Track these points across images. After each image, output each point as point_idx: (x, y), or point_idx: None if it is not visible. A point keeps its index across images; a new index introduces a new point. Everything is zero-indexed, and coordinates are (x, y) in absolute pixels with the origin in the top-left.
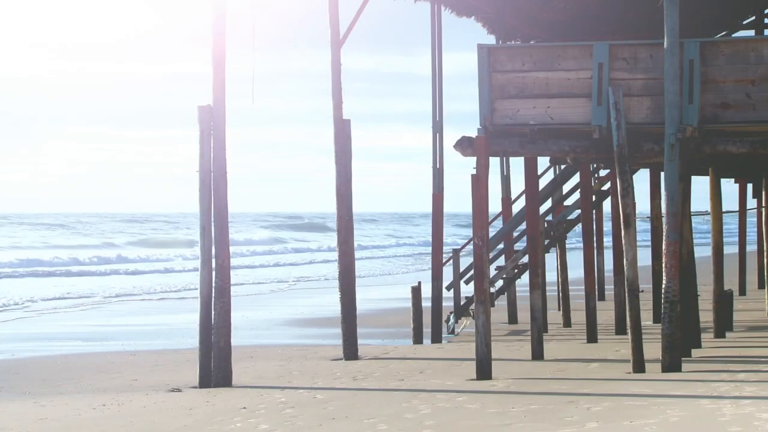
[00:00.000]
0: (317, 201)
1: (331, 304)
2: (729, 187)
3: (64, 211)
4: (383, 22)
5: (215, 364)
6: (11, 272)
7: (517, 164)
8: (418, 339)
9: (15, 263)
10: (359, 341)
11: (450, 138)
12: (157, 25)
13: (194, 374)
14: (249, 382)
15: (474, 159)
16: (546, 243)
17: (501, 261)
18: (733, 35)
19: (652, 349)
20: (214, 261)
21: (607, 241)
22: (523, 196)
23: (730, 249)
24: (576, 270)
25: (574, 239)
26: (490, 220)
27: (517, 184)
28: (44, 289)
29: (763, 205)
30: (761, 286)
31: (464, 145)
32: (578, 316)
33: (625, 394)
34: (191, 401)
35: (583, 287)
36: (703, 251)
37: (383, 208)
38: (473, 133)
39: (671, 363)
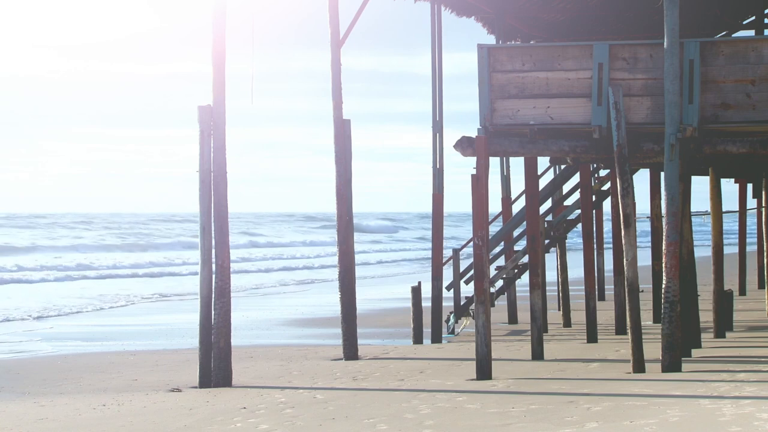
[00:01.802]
0: (317, 201)
1: (331, 303)
2: (729, 187)
3: (67, 211)
4: (383, 22)
5: (215, 364)
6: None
7: (517, 164)
8: (418, 339)
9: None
10: (359, 341)
11: (450, 138)
12: (157, 25)
13: (194, 374)
14: (249, 382)
15: (474, 159)
16: (546, 243)
17: (501, 261)
18: (733, 35)
19: (652, 349)
20: (214, 263)
21: (607, 241)
22: (523, 196)
23: (730, 249)
24: (576, 270)
25: (575, 239)
26: (490, 220)
27: (517, 184)
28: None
29: (763, 205)
30: (761, 286)
31: (464, 146)
32: (578, 316)
33: (625, 394)
34: (191, 401)
35: (583, 287)
36: (703, 251)
37: (384, 208)
38: (473, 133)
39: (671, 363)
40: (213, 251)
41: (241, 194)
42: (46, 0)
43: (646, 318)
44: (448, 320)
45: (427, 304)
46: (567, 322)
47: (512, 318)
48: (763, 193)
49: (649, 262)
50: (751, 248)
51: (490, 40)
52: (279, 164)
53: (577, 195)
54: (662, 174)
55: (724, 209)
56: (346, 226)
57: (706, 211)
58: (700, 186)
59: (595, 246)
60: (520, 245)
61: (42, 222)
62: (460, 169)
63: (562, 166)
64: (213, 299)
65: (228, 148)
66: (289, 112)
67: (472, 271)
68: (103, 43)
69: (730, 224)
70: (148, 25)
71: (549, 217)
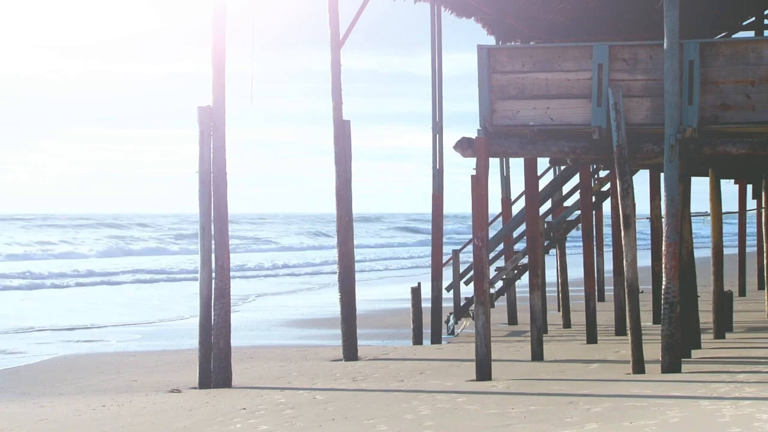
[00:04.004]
0: (317, 201)
1: (330, 304)
2: (729, 188)
3: (67, 212)
4: (383, 22)
5: (215, 365)
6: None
7: (517, 165)
8: (417, 340)
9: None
10: (359, 342)
11: (450, 139)
12: (157, 25)
13: (194, 375)
14: (249, 383)
15: (474, 160)
16: (546, 244)
17: (501, 262)
18: (732, 36)
19: (652, 350)
20: (213, 262)
21: (607, 242)
22: (523, 197)
23: (730, 250)
24: (576, 269)
25: (575, 240)
26: (490, 220)
27: (517, 185)
28: None
29: (763, 206)
30: (761, 287)
31: (464, 146)
32: (578, 317)
33: (625, 394)
34: (191, 402)
35: (583, 288)
36: (703, 252)
37: (382, 208)
38: (473, 134)
39: (671, 364)
40: (213, 252)
41: (241, 194)
42: (46, 0)
43: (646, 319)
44: (447, 321)
45: (426, 304)
46: (567, 323)
47: (512, 319)
48: (763, 194)
49: (649, 263)
50: (751, 249)
51: (490, 40)
52: (279, 164)
53: (576, 196)
54: (662, 175)
55: (723, 210)
56: (345, 226)
57: (706, 212)
58: (700, 187)
59: (594, 247)
60: (519, 246)
61: (84, 222)
62: (460, 170)
63: (562, 167)
64: (213, 300)
65: (228, 148)
66: (289, 112)
67: (471, 272)
68: (103, 43)
69: (730, 226)
70: (148, 25)
71: (549, 218)
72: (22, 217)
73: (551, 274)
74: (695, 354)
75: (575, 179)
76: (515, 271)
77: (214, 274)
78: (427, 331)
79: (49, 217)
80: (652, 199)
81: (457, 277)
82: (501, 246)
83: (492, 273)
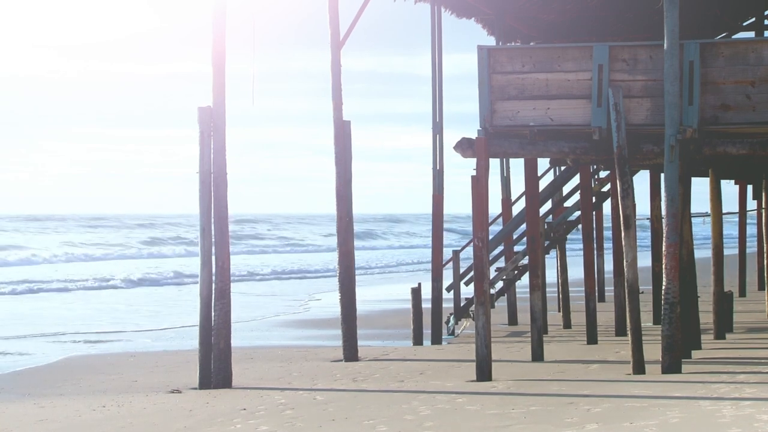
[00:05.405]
0: (317, 201)
1: (330, 305)
2: (729, 189)
3: (67, 212)
4: (383, 22)
5: (215, 366)
6: None
7: (517, 165)
8: (418, 340)
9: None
10: (359, 342)
11: (450, 139)
12: (157, 25)
13: (194, 375)
14: (249, 384)
15: (474, 160)
16: (546, 244)
17: (501, 262)
18: (733, 36)
19: (652, 350)
20: (213, 263)
21: (608, 243)
22: (523, 198)
23: (730, 250)
24: (576, 269)
25: (575, 241)
26: (490, 221)
27: (517, 186)
28: None
29: (763, 206)
30: (761, 287)
31: (464, 147)
32: (578, 318)
33: (625, 395)
34: (191, 402)
35: (583, 288)
36: (703, 252)
37: (382, 209)
38: (473, 135)
39: (671, 364)
40: (213, 253)
41: (241, 194)
42: (46, 0)
43: (646, 319)
44: (448, 321)
45: (427, 305)
46: (567, 324)
47: (512, 319)
48: (763, 194)
49: (649, 264)
50: (751, 250)
51: (490, 41)
52: (279, 164)
53: (577, 196)
54: (662, 175)
55: (724, 211)
56: (346, 226)
57: (706, 212)
58: (700, 187)
59: (595, 247)
60: (520, 247)
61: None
62: (460, 170)
63: (562, 168)
64: (213, 300)
65: (228, 148)
66: (289, 112)
67: (472, 273)
68: (103, 43)
69: (731, 226)
70: (148, 25)
71: (549, 219)
72: (25, 217)
73: (551, 275)
74: (695, 354)
75: (575, 180)
76: (515, 272)
77: (214, 276)
78: (427, 331)
79: (64, 218)
80: (653, 199)
81: (458, 277)
82: (501, 246)
83: (492, 273)
